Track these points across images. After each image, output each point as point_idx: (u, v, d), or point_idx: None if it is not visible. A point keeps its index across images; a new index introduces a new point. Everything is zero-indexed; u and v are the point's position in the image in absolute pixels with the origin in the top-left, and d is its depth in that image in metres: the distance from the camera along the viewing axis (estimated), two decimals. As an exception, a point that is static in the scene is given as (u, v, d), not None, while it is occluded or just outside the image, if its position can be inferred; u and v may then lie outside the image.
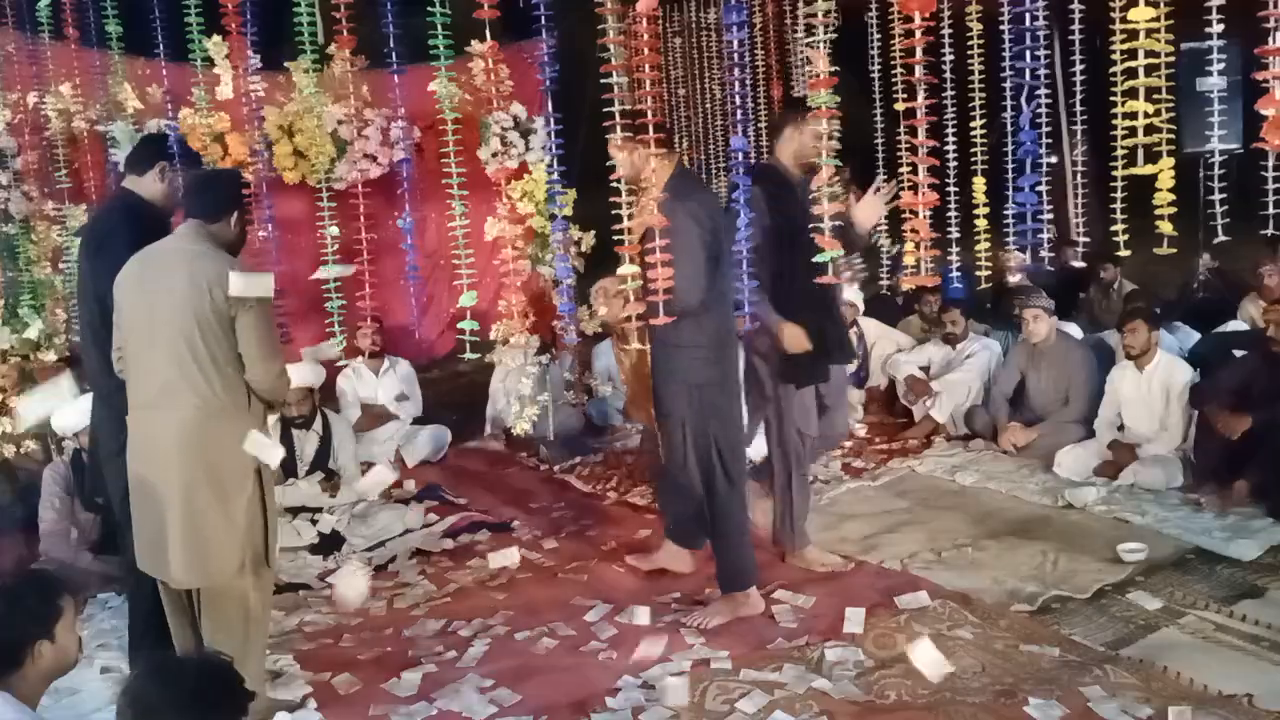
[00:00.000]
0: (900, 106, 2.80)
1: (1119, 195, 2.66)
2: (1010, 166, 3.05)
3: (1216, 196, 2.54)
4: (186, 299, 2.97)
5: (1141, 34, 2.27)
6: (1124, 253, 2.69)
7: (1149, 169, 2.46)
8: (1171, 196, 2.47)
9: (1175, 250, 2.56)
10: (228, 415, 3.03)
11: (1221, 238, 2.56)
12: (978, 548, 4.31)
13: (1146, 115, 2.34)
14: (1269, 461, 4.47)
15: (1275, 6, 2.06)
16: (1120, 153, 2.59)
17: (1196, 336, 5.98)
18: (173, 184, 3.41)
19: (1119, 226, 2.64)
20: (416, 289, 3.62)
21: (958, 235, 3.43)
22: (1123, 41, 2.40)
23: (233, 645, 2.94)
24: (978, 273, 3.41)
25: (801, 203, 3.60)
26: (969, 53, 3.19)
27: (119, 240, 3.22)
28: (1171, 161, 2.45)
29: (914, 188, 2.67)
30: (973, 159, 3.21)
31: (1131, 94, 2.37)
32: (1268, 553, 4.05)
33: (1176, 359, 5.24)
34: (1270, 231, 2.40)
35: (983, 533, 4.49)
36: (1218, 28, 2.28)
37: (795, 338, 3.84)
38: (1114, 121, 2.57)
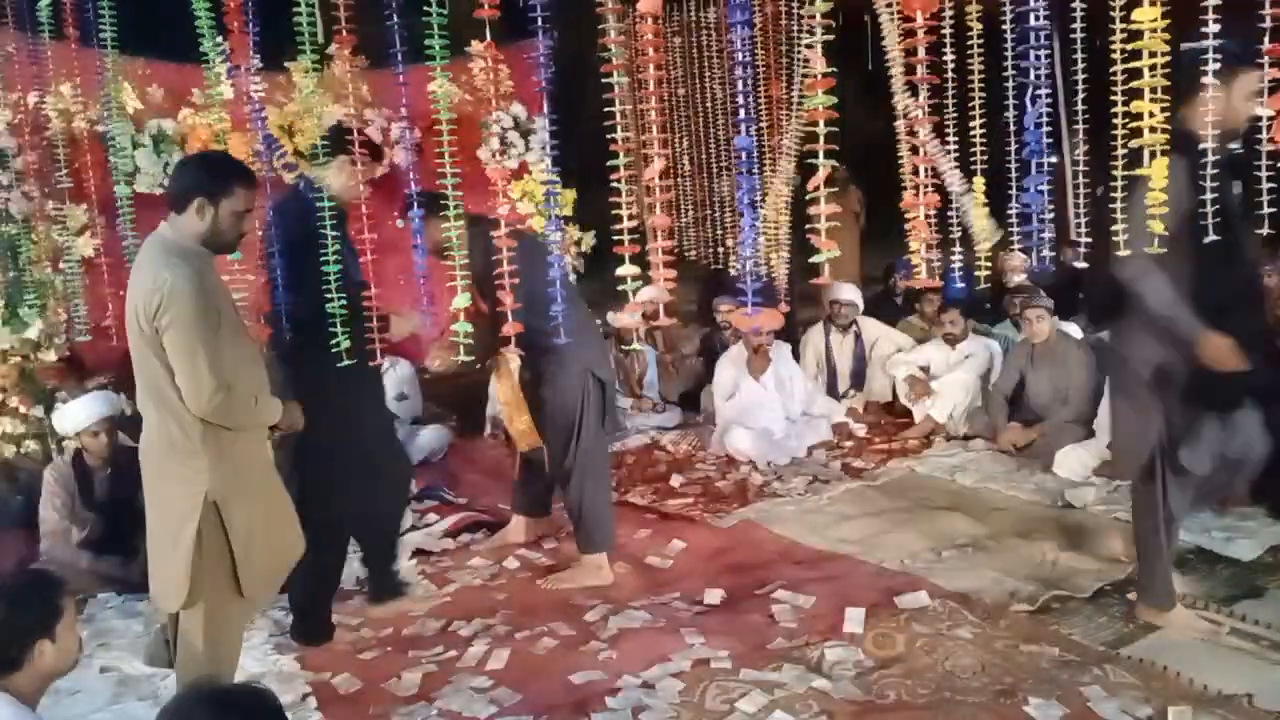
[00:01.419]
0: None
1: (1117, 195, 2.65)
2: (1013, 166, 3.05)
3: (1208, 196, 2.54)
4: (130, 316, 2.83)
5: (1146, 34, 2.27)
6: (1123, 252, 2.69)
7: (1145, 170, 2.46)
8: (1164, 197, 2.47)
9: (1165, 250, 2.56)
10: (172, 443, 2.86)
11: (1212, 237, 2.56)
12: (978, 548, 4.31)
13: (1150, 115, 2.34)
14: (1269, 462, 4.46)
15: (1272, 6, 2.06)
16: (1120, 152, 2.59)
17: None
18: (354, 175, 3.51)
19: (1118, 227, 2.64)
20: (420, 290, 3.61)
21: (959, 235, 3.43)
22: (1123, 42, 2.40)
23: (195, 671, 2.90)
24: (976, 273, 3.41)
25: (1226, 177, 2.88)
26: (969, 53, 3.19)
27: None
28: (1165, 161, 2.45)
29: (915, 188, 2.67)
30: (973, 159, 3.21)
31: (1135, 94, 2.37)
32: (1268, 553, 4.05)
33: (1176, 359, 5.24)
34: (1267, 230, 2.40)
35: (983, 533, 4.49)
36: (1214, 28, 2.28)
37: (1222, 351, 3.06)
38: (1114, 121, 2.58)
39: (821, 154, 2.27)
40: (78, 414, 4.47)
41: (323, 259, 3.13)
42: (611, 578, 4.21)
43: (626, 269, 2.57)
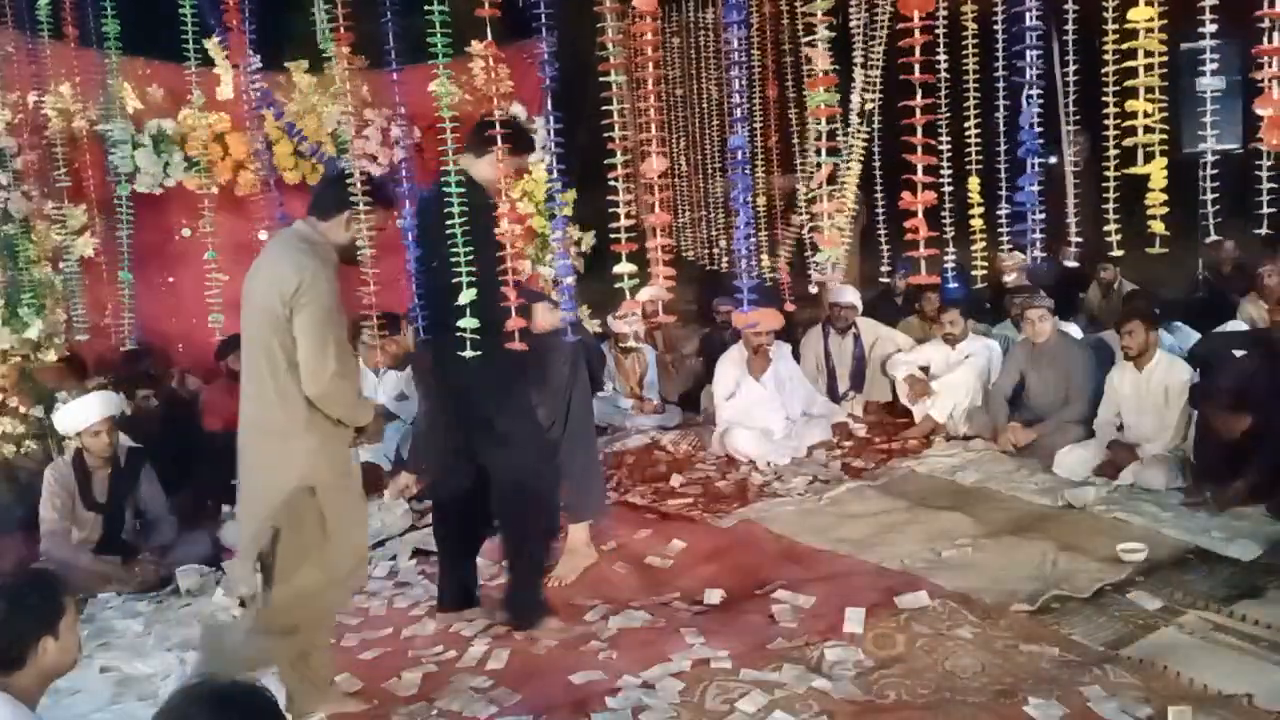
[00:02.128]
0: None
1: (1111, 195, 2.66)
2: (1004, 166, 3.05)
3: (1209, 197, 2.54)
4: (262, 296, 2.97)
5: (1141, 34, 2.27)
6: (1117, 253, 2.69)
7: (1144, 169, 2.46)
8: (1163, 197, 2.47)
9: (1166, 250, 2.56)
10: (276, 426, 2.99)
11: (1213, 238, 2.56)
12: (978, 548, 4.31)
13: (1146, 115, 2.34)
14: (1268, 461, 4.47)
15: (1271, 6, 2.06)
16: (1113, 153, 2.59)
17: (1196, 336, 5.98)
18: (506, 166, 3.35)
19: (1112, 227, 2.64)
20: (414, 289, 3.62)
21: (952, 235, 3.43)
22: (1116, 42, 2.40)
23: (284, 649, 3.09)
24: (972, 272, 3.41)
25: None
26: (963, 52, 3.19)
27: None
28: (1164, 162, 2.45)
29: (912, 187, 2.67)
30: (967, 158, 3.21)
31: (1130, 93, 2.37)
32: (1267, 553, 4.05)
33: (1176, 359, 5.25)
34: (1265, 231, 2.40)
35: (983, 533, 4.49)
36: (1211, 28, 2.28)
37: None
38: (1106, 122, 2.58)
39: (824, 152, 2.27)
40: (79, 414, 4.47)
41: (478, 254, 3.03)
42: (595, 555, 4.29)
43: (624, 267, 2.57)
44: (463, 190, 2.98)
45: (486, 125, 3.32)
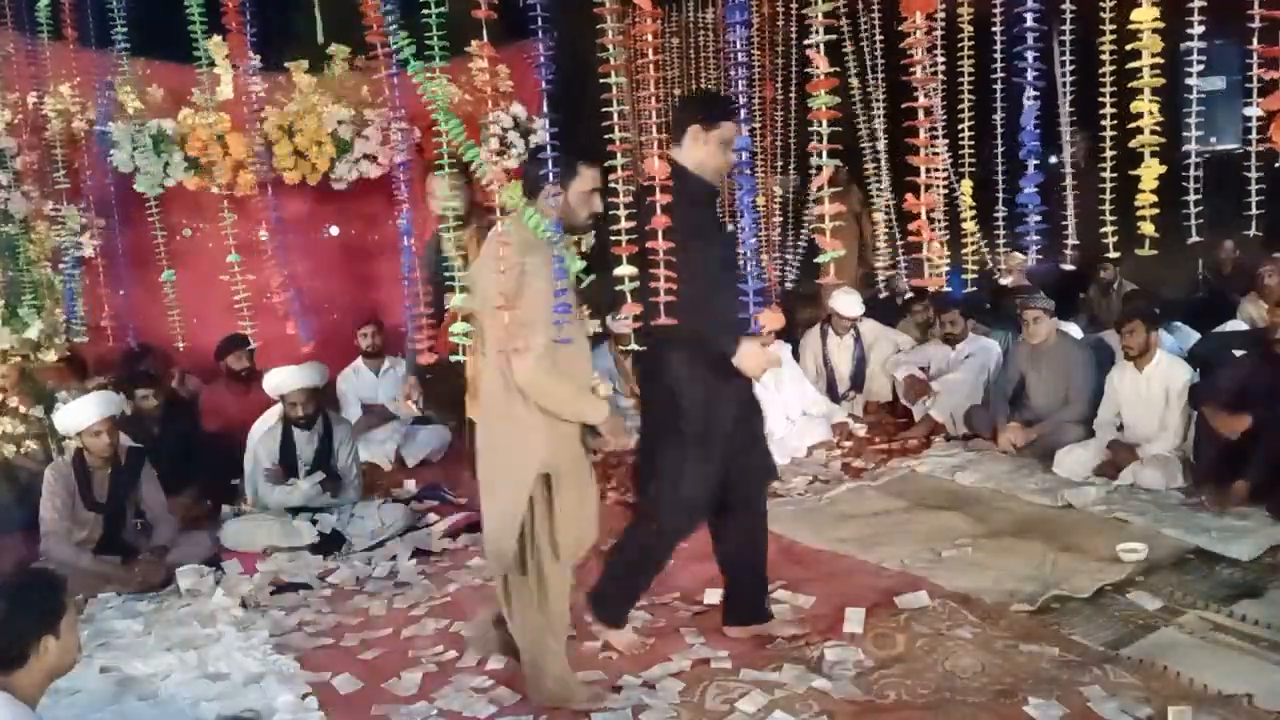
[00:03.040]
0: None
1: (1108, 196, 2.66)
2: (1002, 166, 3.06)
3: (1192, 197, 2.54)
4: (485, 283, 2.96)
5: (1145, 35, 2.27)
6: (1113, 254, 2.69)
7: (1140, 170, 2.46)
8: (1154, 198, 2.47)
9: (1156, 251, 2.57)
10: (513, 415, 3.00)
11: (1195, 238, 2.57)
12: (978, 548, 4.31)
13: (1148, 115, 2.35)
14: (1268, 461, 4.48)
15: (1265, 7, 2.06)
16: (1111, 153, 2.59)
17: (1196, 336, 5.98)
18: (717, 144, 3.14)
19: (1109, 228, 2.64)
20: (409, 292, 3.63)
21: (947, 237, 3.43)
22: (1115, 42, 2.40)
23: (523, 631, 3.18)
24: (964, 275, 3.42)
25: None
26: (959, 54, 3.20)
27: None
28: (1156, 163, 2.45)
29: (914, 189, 2.67)
30: (961, 161, 3.22)
31: (1130, 94, 2.37)
32: (1267, 553, 4.05)
33: (1176, 359, 5.25)
34: (1253, 232, 2.40)
35: (983, 533, 4.49)
36: (1199, 29, 2.28)
37: None
38: (1104, 122, 2.58)
39: (825, 154, 2.27)
40: (80, 414, 4.47)
41: (698, 249, 2.90)
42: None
43: (624, 269, 2.57)
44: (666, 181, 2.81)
45: (690, 103, 3.18)
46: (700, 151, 3.14)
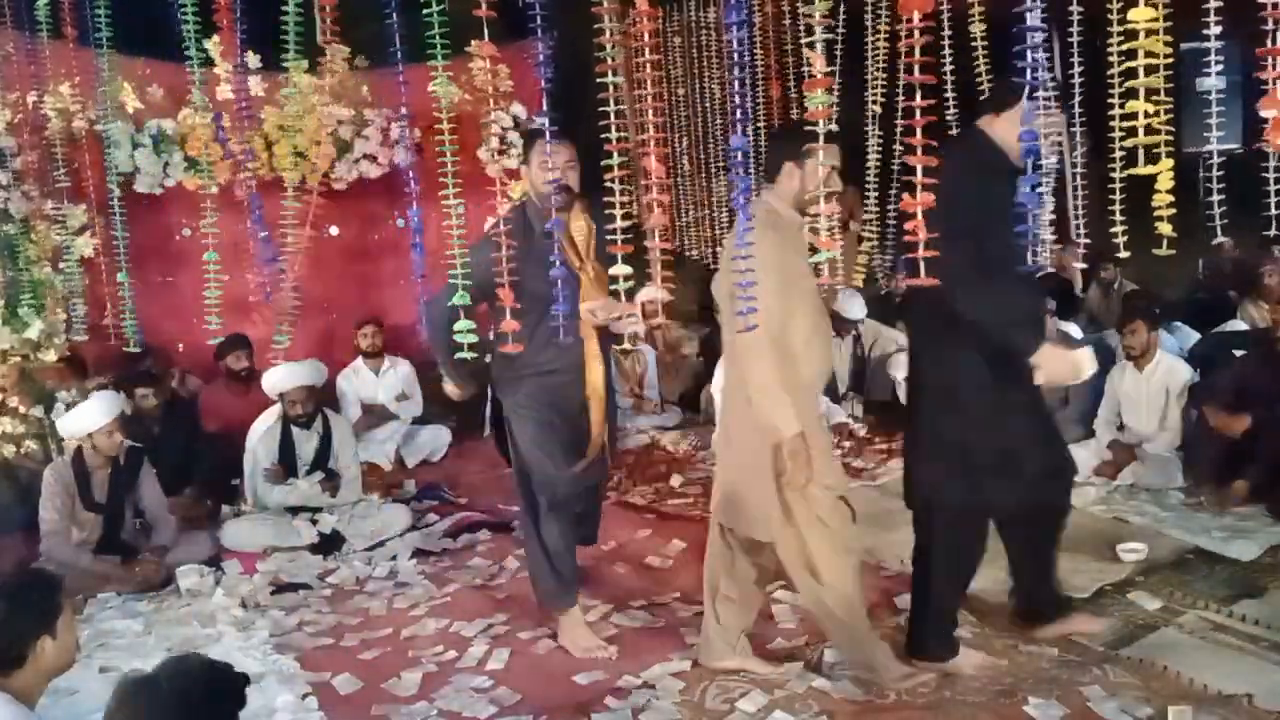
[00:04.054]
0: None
1: (1117, 196, 2.65)
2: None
3: (1215, 198, 2.54)
4: (725, 267, 2.95)
5: (1142, 34, 2.27)
6: (1124, 254, 2.68)
7: (1149, 169, 2.46)
8: (1170, 198, 2.47)
9: (1174, 251, 2.56)
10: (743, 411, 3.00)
11: (1220, 238, 2.56)
12: (977, 548, 4.30)
13: (1147, 115, 2.34)
14: (1268, 461, 4.47)
15: (1273, 8, 2.06)
16: (1119, 153, 2.59)
17: (1196, 336, 5.98)
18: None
19: (1118, 228, 2.64)
20: (421, 289, 3.61)
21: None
22: (1121, 42, 2.39)
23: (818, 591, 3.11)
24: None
25: None
26: (973, 52, 3.20)
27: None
28: (1171, 163, 2.44)
29: (911, 188, 2.66)
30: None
31: (1132, 94, 2.36)
32: (1267, 553, 4.05)
33: (1176, 359, 5.25)
34: (1273, 232, 2.40)
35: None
36: (1215, 29, 2.27)
37: None
38: (1112, 123, 2.57)
39: (822, 154, 2.27)
40: (89, 417, 4.46)
41: (993, 230, 2.72)
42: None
43: (620, 269, 2.57)
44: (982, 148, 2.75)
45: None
46: (1015, 129, 2.76)
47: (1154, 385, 5.10)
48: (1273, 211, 2.52)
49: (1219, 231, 2.59)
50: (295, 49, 3.24)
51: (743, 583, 3.31)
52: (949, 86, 3.29)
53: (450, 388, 3.78)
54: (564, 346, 3.27)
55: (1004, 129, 2.92)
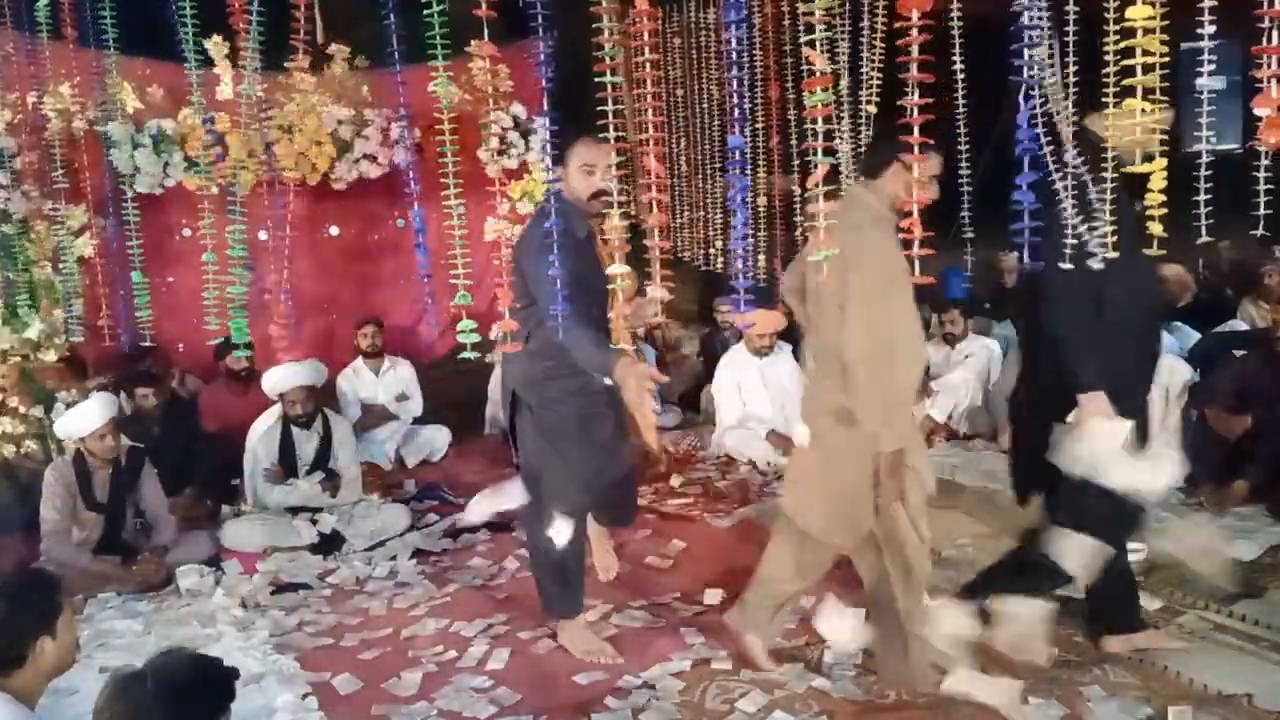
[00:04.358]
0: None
1: (1108, 196, 2.65)
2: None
3: (1203, 197, 2.53)
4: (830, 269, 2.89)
5: (1140, 33, 2.27)
6: (1112, 254, 2.68)
7: (1144, 168, 2.45)
8: (1162, 198, 2.47)
9: (1165, 251, 2.56)
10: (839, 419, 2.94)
11: (1205, 238, 2.56)
12: (978, 548, 4.31)
13: (1143, 114, 2.34)
14: (1268, 461, 4.47)
15: (1270, 5, 2.06)
16: (1113, 153, 2.59)
17: (1196, 336, 5.98)
18: None
19: (1108, 228, 2.63)
20: (428, 288, 3.61)
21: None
22: (1117, 42, 2.39)
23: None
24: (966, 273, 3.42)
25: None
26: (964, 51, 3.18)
27: None
28: (1164, 162, 2.44)
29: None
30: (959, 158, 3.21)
31: (1127, 93, 2.36)
32: (1267, 553, 4.06)
33: (1176, 359, 5.24)
34: (1260, 232, 2.40)
35: (983, 533, 4.49)
36: (1210, 29, 2.27)
37: None
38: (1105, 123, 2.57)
39: (820, 152, 2.26)
40: (83, 419, 4.46)
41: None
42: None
43: (617, 268, 2.57)
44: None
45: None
46: None
47: (1154, 385, 5.08)
48: (1261, 211, 2.52)
49: (1204, 231, 2.58)
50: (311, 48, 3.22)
51: (805, 572, 3.25)
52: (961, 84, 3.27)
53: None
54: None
55: (881, 189, 2.95)
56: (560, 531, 3.47)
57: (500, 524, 4.98)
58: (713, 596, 3.93)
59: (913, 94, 2.26)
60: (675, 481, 5.54)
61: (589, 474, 3.44)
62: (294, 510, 4.95)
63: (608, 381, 3.17)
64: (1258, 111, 2.10)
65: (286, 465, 5.06)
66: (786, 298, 3.24)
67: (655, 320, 3.43)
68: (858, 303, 2.80)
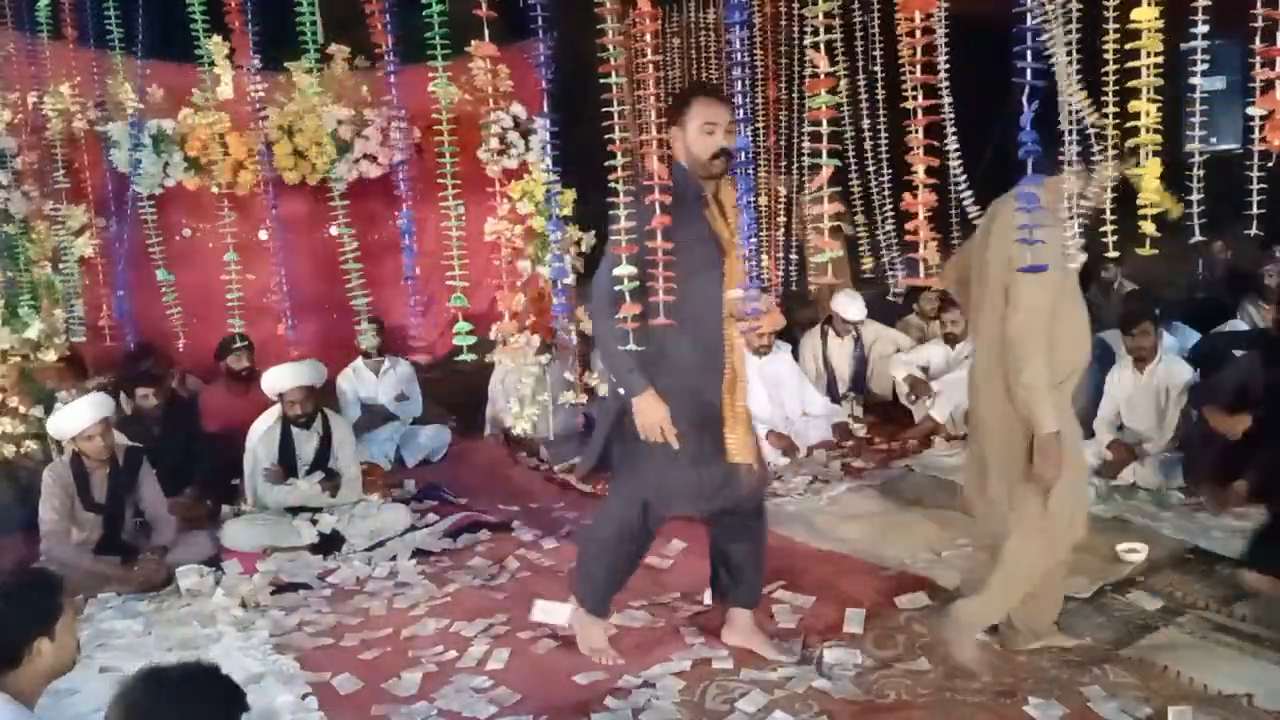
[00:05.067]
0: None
1: (1109, 195, 2.65)
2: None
3: (1195, 197, 2.54)
4: (994, 256, 2.93)
5: (1145, 34, 2.27)
6: (1113, 254, 2.69)
7: (1140, 170, 2.46)
8: (1156, 197, 2.47)
9: (1157, 251, 2.56)
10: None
11: (1198, 237, 2.56)
12: (978, 548, 4.30)
13: (1146, 115, 2.34)
14: (1268, 461, 4.47)
15: (1273, 6, 2.06)
16: (1113, 153, 2.59)
17: (1197, 336, 5.98)
18: None
19: (1108, 227, 2.64)
20: (414, 289, 3.61)
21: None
22: (1118, 42, 2.39)
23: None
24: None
25: None
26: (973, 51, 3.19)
27: None
28: (1158, 161, 2.45)
29: (913, 188, 2.66)
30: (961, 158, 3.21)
31: (1132, 94, 2.36)
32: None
33: (1176, 359, 5.24)
34: (1254, 231, 2.40)
35: (983, 533, 4.48)
36: (1203, 28, 2.27)
37: None
38: (1106, 122, 2.57)
39: (825, 154, 2.27)
40: (73, 419, 4.46)
41: None
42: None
43: (623, 269, 2.57)
44: None
45: None
46: None
47: (1154, 385, 5.10)
48: (1254, 211, 2.52)
49: (1196, 231, 2.59)
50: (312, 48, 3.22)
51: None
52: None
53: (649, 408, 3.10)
54: (710, 334, 3.12)
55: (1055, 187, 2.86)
56: (614, 517, 3.38)
57: (500, 524, 4.99)
58: (713, 596, 3.93)
59: (916, 95, 2.26)
60: (675, 481, 5.53)
61: (666, 469, 3.20)
62: (294, 510, 4.95)
63: (620, 391, 3.18)
64: (1250, 111, 2.10)
65: (286, 465, 5.06)
66: (949, 287, 3.26)
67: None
68: (1025, 285, 2.84)
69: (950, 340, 6.31)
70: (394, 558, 4.66)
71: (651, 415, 3.06)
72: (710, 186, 3.14)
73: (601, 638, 3.54)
